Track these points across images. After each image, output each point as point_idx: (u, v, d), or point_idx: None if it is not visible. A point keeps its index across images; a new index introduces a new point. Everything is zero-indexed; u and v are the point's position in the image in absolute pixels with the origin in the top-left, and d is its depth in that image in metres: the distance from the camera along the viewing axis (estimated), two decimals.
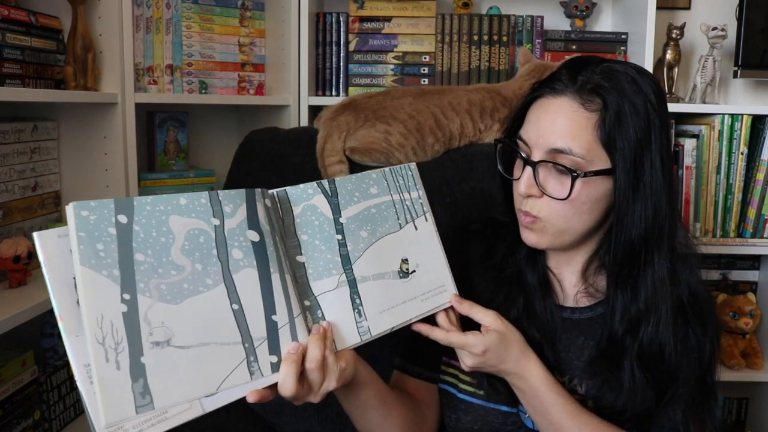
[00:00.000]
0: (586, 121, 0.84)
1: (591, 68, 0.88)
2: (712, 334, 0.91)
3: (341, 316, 0.77)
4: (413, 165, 0.88)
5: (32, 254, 1.29)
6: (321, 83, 1.81)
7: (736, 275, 1.99)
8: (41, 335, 1.47)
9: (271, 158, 1.30)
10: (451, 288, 0.88)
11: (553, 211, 0.87)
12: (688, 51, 1.92)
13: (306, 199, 0.78)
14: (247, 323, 0.69)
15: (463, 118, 1.33)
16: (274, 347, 0.70)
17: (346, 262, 0.78)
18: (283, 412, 1.24)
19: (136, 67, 1.55)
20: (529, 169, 0.87)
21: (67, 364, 1.48)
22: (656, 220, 0.86)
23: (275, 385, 0.71)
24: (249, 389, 0.68)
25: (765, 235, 1.78)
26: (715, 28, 1.78)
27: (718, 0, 1.93)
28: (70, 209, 0.63)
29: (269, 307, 0.70)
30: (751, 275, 1.99)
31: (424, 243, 0.86)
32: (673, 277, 0.89)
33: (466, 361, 0.86)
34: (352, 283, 0.78)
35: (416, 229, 0.86)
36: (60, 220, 1.49)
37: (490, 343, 0.84)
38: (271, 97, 1.79)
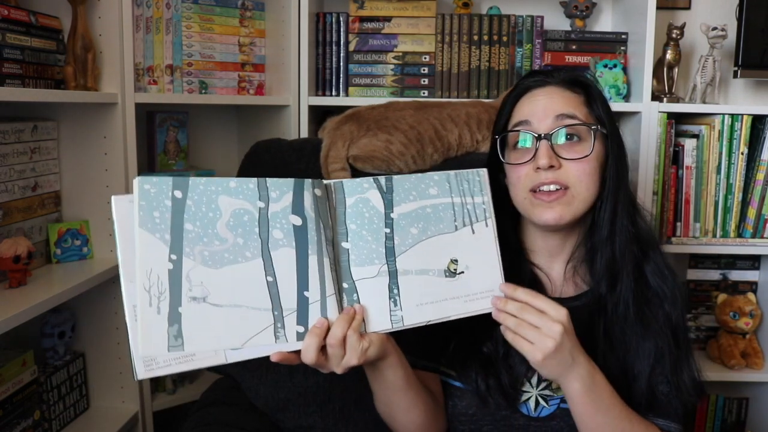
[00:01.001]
0: (576, 99, 0.99)
1: (558, 69, 1.05)
2: (678, 296, 0.99)
3: (376, 302, 0.83)
4: (483, 171, 0.91)
5: (32, 254, 1.29)
6: (321, 83, 1.81)
7: (736, 275, 1.99)
8: (41, 335, 1.47)
9: (276, 165, 1.35)
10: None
11: (577, 176, 0.94)
12: (688, 51, 1.92)
13: (360, 192, 0.84)
14: (279, 294, 0.78)
15: (461, 129, 1.38)
16: (302, 319, 0.78)
17: (390, 254, 0.84)
18: (287, 408, 1.24)
19: (136, 67, 1.55)
20: (544, 142, 0.94)
21: (67, 364, 1.49)
22: (628, 185, 1.00)
23: (300, 351, 0.79)
24: (273, 351, 0.77)
25: (765, 235, 1.77)
26: (715, 28, 1.78)
27: (718, 0, 1.93)
28: (136, 182, 0.73)
29: (302, 284, 0.79)
30: (751, 275, 1.99)
31: (479, 247, 0.89)
32: (636, 240, 0.99)
33: (546, 343, 0.83)
34: (393, 274, 0.84)
35: (473, 233, 0.89)
36: (60, 220, 1.49)
37: (567, 319, 0.84)
38: (271, 97, 1.79)
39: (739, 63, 1.78)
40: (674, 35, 1.80)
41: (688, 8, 1.95)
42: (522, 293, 0.86)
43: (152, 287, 0.73)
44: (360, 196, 0.84)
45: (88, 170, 1.49)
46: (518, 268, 0.99)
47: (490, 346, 0.98)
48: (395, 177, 0.86)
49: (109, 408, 1.55)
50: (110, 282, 1.49)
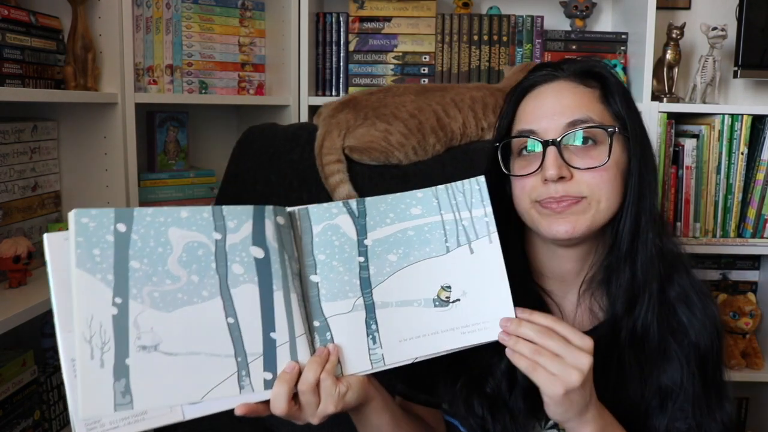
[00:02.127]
0: (590, 95, 0.84)
1: (569, 62, 0.88)
2: (711, 328, 0.85)
3: (352, 341, 0.74)
4: (482, 179, 0.80)
5: (32, 254, 1.29)
6: (321, 83, 1.81)
7: (736, 275, 1.99)
8: (41, 335, 1.47)
9: (269, 156, 1.28)
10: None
11: (594, 187, 0.80)
12: (688, 51, 1.92)
13: (328, 219, 0.75)
14: (242, 337, 0.69)
15: (466, 114, 1.31)
16: (269, 364, 0.70)
17: (366, 285, 0.75)
18: None
19: (136, 67, 1.55)
20: (553, 150, 0.80)
21: None
22: (655, 192, 0.85)
23: (269, 401, 0.70)
24: (237, 402, 0.69)
25: (765, 235, 1.77)
26: (715, 28, 1.78)
27: (718, 0, 1.93)
28: (71, 216, 0.65)
29: (268, 324, 0.70)
30: (751, 275, 1.99)
31: (480, 269, 0.77)
32: (660, 257, 0.85)
33: (571, 376, 0.70)
34: (370, 308, 0.75)
35: (472, 252, 0.77)
36: (60, 220, 1.49)
37: (592, 352, 0.72)
38: (271, 97, 1.79)
39: (739, 63, 1.78)
40: (674, 35, 1.80)
41: (688, 8, 1.95)
42: (540, 317, 0.73)
43: (93, 337, 0.63)
44: (328, 223, 0.75)
45: (88, 170, 1.49)
46: (523, 293, 0.82)
47: (492, 384, 0.84)
48: (368, 199, 0.77)
49: None
50: None
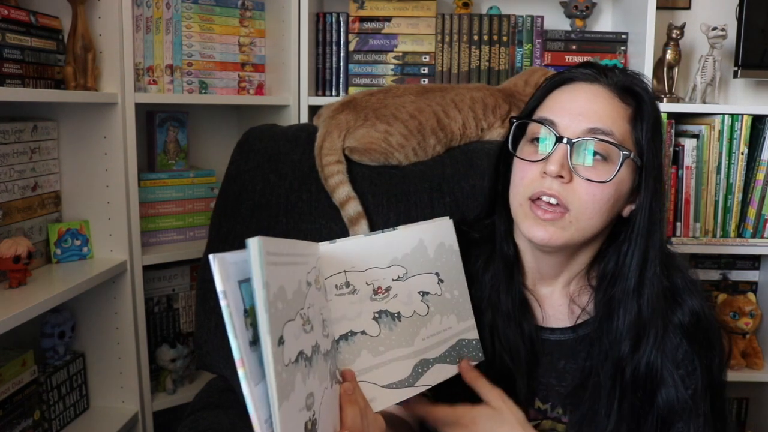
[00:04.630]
0: (623, 111, 0.83)
1: (613, 71, 0.86)
2: (720, 355, 0.87)
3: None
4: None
5: (32, 254, 1.29)
6: (321, 83, 1.81)
7: (736, 275, 1.99)
8: (41, 335, 1.47)
9: (270, 156, 1.28)
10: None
11: (583, 202, 0.80)
12: (688, 51, 1.92)
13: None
14: None
15: (466, 115, 1.31)
16: None
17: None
18: None
19: (136, 67, 1.55)
20: (563, 147, 0.79)
21: (67, 364, 1.49)
22: (663, 228, 0.85)
23: None
24: None
25: (765, 235, 1.77)
26: (715, 28, 1.78)
27: (718, 0, 1.93)
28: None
29: None
30: (751, 275, 1.99)
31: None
32: (667, 294, 0.86)
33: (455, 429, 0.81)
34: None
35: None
36: (60, 220, 1.49)
37: (480, 415, 0.80)
38: (271, 97, 1.79)
39: (739, 63, 1.78)
40: (674, 35, 1.80)
41: (688, 8, 1.95)
42: (473, 377, 0.83)
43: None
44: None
45: (88, 170, 1.49)
46: (506, 288, 0.88)
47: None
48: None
49: (109, 408, 1.55)
50: (110, 282, 1.49)
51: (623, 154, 0.80)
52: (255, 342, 0.55)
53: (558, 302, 0.91)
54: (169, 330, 1.71)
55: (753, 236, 1.78)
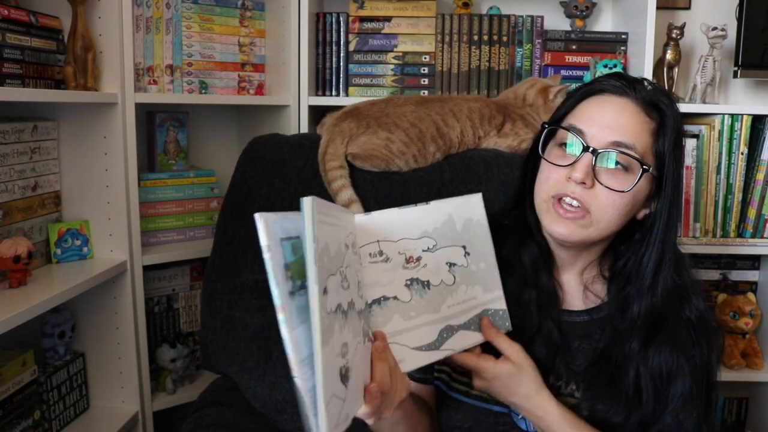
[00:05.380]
0: (647, 126, 0.89)
1: (641, 83, 0.92)
2: (716, 351, 0.95)
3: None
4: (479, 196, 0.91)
5: (32, 254, 1.29)
6: (321, 83, 1.81)
7: (736, 275, 1.99)
8: (41, 335, 1.47)
9: (274, 163, 1.33)
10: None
11: (603, 206, 0.87)
12: (688, 51, 1.92)
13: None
14: None
15: (464, 124, 1.37)
16: None
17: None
18: (284, 410, 1.24)
19: (136, 67, 1.55)
20: (589, 156, 0.87)
21: (67, 364, 1.49)
22: (677, 232, 0.93)
23: None
24: None
25: (765, 235, 1.77)
26: (715, 28, 1.78)
27: (718, 0, 1.92)
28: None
29: None
30: (751, 275, 1.99)
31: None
32: (680, 291, 0.93)
33: (476, 382, 0.89)
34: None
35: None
36: (60, 220, 1.49)
37: (501, 372, 0.87)
38: (271, 97, 1.79)
39: (739, 63, 1.78)
40: (674, 35, 1.80)
41: (688, 8, 1.95)
42: (493, 334, 0.89)
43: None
44: None
45: (88, 170, 1.49)
46: (546, 274, 0.97)
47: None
48: None
49: (109, 408, 1.55)
50: (110, 282, 1.49)
51: (643, 167, 0.87)
52: (293, 292, 0.62)
53: (574, 288, 0.99)
54: (169, 330, 1.71)
55: (753, 236, 1.78)
